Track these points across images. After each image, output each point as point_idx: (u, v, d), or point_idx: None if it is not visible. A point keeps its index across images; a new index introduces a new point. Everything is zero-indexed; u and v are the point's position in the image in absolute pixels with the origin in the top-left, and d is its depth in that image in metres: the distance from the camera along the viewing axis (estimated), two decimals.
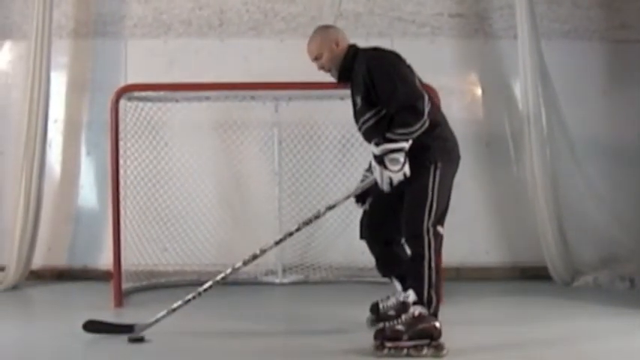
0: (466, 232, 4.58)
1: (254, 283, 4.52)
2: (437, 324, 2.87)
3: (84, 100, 4.91)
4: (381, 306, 3.34)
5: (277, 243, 3.20)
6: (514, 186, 4.82)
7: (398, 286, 3.27)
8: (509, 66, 4.85)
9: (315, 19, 4.87)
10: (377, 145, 2.95)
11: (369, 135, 3.12)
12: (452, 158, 3.11)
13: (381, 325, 2.97)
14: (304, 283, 4.60)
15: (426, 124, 2.93)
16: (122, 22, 4.93)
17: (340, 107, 4.32)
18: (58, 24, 4.80)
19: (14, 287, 4.44)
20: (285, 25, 4.94)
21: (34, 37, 4.53)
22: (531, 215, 4.62)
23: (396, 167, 2.90)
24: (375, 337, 2.88)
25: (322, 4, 4.91)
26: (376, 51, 3.16)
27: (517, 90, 4.81)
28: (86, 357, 2.91)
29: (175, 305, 3.12)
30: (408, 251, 3.01)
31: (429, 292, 2.92)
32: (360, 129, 3.23)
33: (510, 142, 4.89)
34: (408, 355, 2.83)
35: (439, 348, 2.83)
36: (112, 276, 3.97)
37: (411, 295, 2.94)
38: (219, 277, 3.17)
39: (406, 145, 2.91)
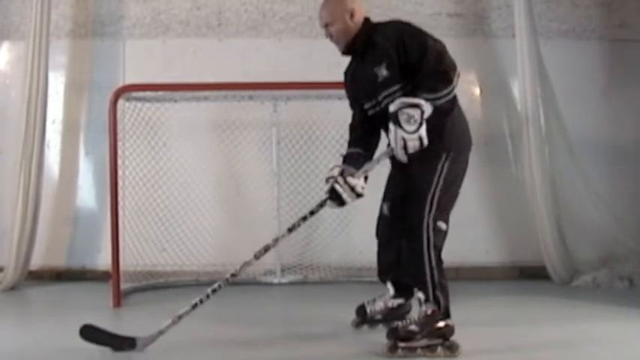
0: (465, 232, 4.56)
1: (252, 282, 4.51)
2: (450, 323, 2.82)
3: (82, 100, 4.91)
4: (368, 310, 3.24)
5: (290, 230, 3.08)
6: (513, 186, 4.81)
7: (391, 290, 3.20)
8: (508, 65, 4.85)
9: (313, 19, 4.86)
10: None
11: None
12: (465, 145, 2.95)
13: (394, 324, 2.88)
14: (303, 283, 4.59)
15: (453, 93, 2.77)
16: (120, 22, 4.92)
17: (339, 107, 4.30)
18: (56, 24, 4.79)
19: (13, 288, 4.43)
20: (284, 25, 4.93)
21: (32, 38, 4.52)
22: (530, 215, 4.62)
23: (411, 127, 2.64)
24: (388, 337, 2.81)
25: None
26: (401, 22, 2.93)
27: (516, 89, 4.80)
28: (85, 357, 2.90)
29: (182, 311, 2.95)
30: (406, 246, 2.88)
31: (434, 293, 2.82)
32: (378, 105, 2.92)
33: (509, 142, 4.88)
34: (421, 355, 2.76)
35: (453, 348, 2.77)
36: (111, 276, 3.97)
37: (421, 294, 2.85)
38: (228, 275, 3.08)
39: (425, 104, 2.66)
